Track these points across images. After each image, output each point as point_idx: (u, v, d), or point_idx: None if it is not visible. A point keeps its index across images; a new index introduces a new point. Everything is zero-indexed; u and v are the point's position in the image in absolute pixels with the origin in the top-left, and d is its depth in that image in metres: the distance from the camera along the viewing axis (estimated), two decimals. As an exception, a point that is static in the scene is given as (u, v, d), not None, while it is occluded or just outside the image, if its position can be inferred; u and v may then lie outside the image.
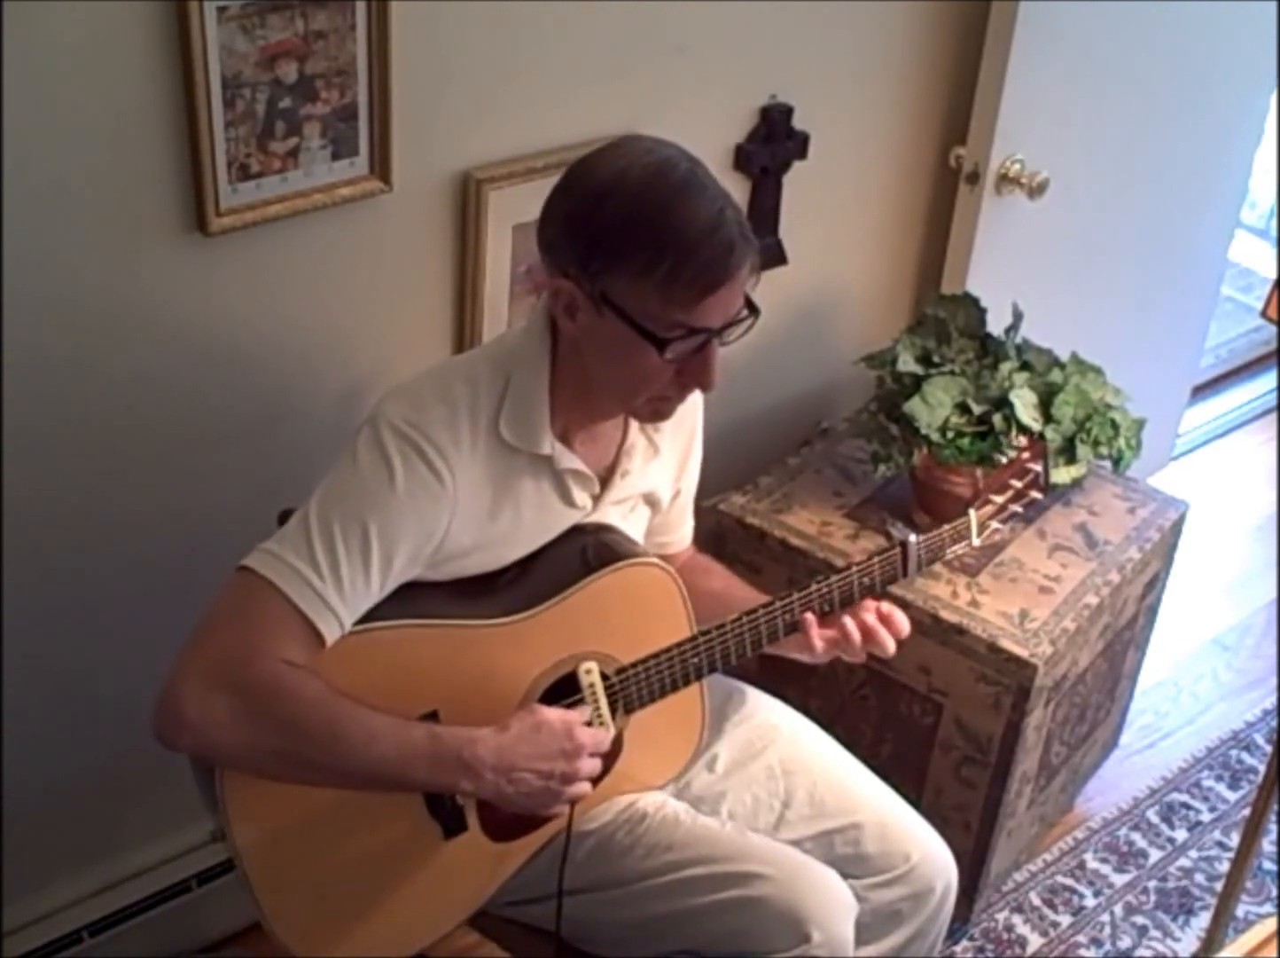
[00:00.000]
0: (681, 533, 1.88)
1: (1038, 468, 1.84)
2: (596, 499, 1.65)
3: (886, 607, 1.70)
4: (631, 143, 1.53)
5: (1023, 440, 2.14)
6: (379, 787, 1.50)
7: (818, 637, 1.67)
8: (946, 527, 1.78)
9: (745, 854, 1.67)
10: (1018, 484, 1.83)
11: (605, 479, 1.66)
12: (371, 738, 1.43)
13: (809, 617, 1.67)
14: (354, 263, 1.88)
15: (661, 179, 1.45)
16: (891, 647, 1.68)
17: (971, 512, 1.79)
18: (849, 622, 1.67)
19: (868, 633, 1.67)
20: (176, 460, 1.85)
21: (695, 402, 1.75)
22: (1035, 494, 1.84)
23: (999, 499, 1.81)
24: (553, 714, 1.50)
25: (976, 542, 1.80)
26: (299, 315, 1.87)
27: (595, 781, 1.57)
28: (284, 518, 1.71)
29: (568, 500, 1.62)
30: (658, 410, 1.59)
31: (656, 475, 1.73)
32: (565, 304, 1.50)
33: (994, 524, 1.82)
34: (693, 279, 1.44)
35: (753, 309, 1.52)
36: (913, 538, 1.73)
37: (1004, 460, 2.12)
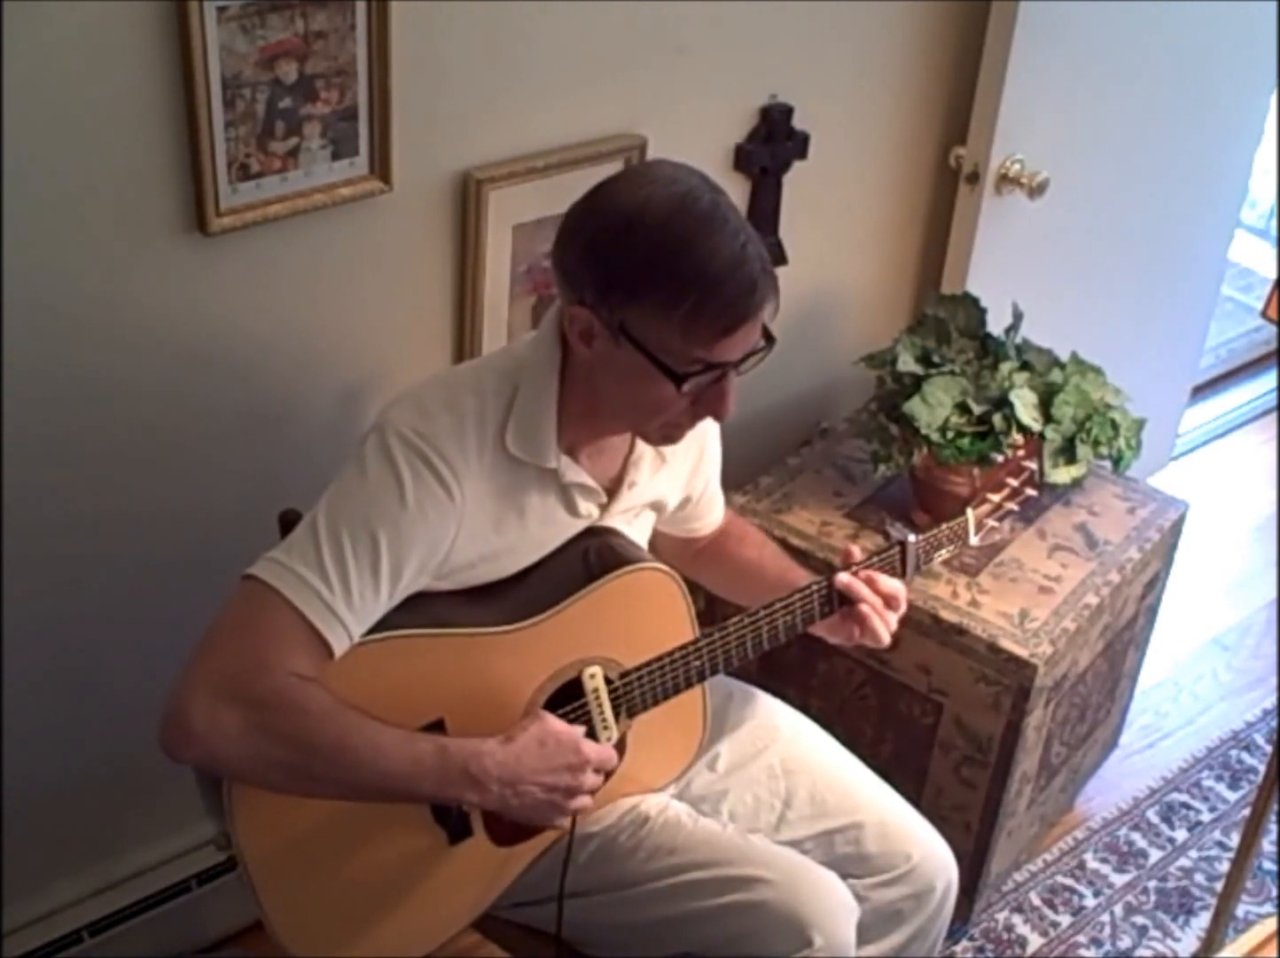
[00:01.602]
0: (710, 518, 1.90)
1: (1032, 465, 1.84)
2: (603, 509, 1.65)
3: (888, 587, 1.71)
4: (654, 169, 1.51)
5: (1021, 440, 2.14)
6: (386, 799, 1.49)
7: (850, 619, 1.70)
8: (945, 526, 1.79)
9: (747, 858, 1.67)
10: (1013, 482, 1.83)
11: (612, 490, 1.65)
12: (378, 752, 1.42)
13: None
14: (354, 263, 1.88)
15: (684, 212, 1.42)
16: (887, 637, 1.70)
17: (969, 510, 1.80)
18: (863, 606, 1.69)
19: (868, 618, 1.69)
20: (176, 461, 1.85)
21: None
22: (1030, 492, 1.85)
23: (995, 498, 1.82)
24: (559, 726, 1.50)
25: (974, 541, 1.81)
26: (299, 315, 1.87)
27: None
28: (284, 518, 1.71)
29: (573, 512, 1.61)
30: (669, 436, 1.58)
31: (664, 484, 1.73)
32: (581, 330, 1.48)
33: (991, 523, 1.82)
34: (715, 318, 1.42)
35: (769, 338, 1.51)
36: (911, 538, 1.74)
37: (1001, 460, 2.13)
